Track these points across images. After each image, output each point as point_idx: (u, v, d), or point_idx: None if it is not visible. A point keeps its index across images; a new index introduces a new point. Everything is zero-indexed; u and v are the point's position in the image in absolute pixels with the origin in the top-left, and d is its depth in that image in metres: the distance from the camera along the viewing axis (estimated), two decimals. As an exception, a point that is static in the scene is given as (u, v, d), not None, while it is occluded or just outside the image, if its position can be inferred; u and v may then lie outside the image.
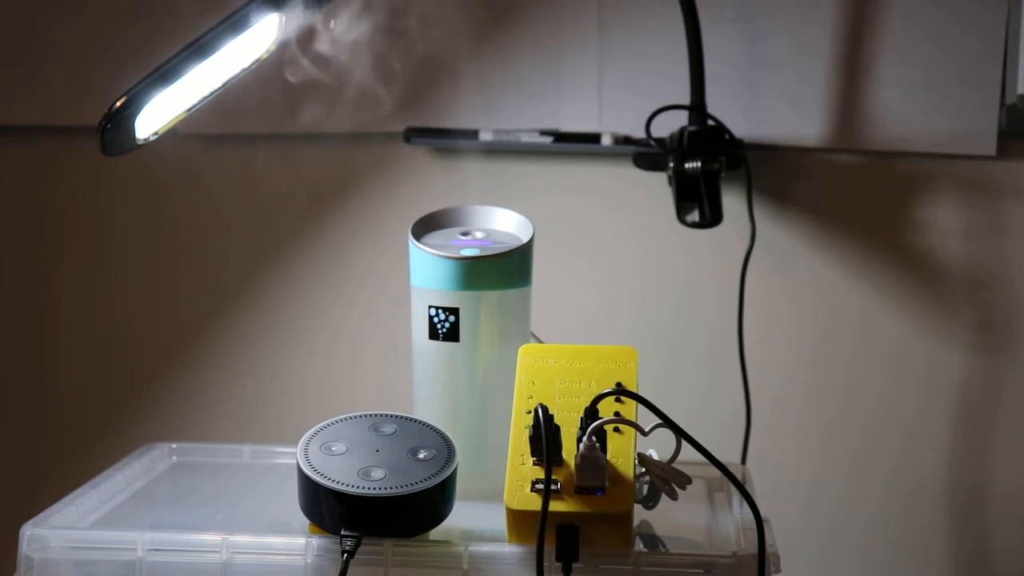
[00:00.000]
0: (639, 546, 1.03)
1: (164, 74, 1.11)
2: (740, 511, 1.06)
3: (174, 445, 1.25)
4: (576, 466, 0.95)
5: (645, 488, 1.05)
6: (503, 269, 1.11)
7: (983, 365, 1.44)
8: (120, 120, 1.10)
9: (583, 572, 0.94)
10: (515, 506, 0.95)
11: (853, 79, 1.40)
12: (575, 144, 1.44)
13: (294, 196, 1.51)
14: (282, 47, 1.19)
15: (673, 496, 1.01)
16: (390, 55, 1.44)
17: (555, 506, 0.94)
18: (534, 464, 0.97)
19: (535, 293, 1.14)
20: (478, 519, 1.03)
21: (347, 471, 0.97)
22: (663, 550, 1.05)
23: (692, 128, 1.38)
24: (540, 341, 1.15)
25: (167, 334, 1.55)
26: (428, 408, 1.13)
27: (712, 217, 1.39)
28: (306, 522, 1.00)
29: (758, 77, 1.41)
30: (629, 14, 1.42)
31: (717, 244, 1.44)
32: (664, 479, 1.00)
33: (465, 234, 1.15)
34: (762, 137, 1.42)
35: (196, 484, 1.20)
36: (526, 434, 0.97)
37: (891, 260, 1.44)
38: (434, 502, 0.98)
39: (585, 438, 0.95)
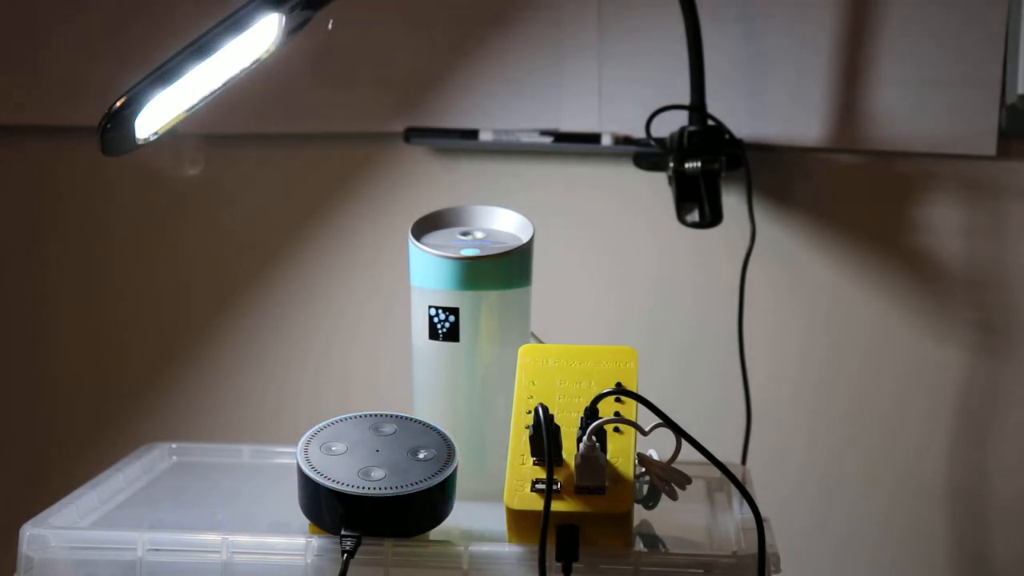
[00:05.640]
0: (639, 546, 1.03)
1: (164, 74, 1.11)
2: (740, 511, 1.06)
3: (174, 445, 1.25)
4: (576, 466, 0.95)
5: (645, 488, 1.05)
6: (503, 269, 1.11)
7: (983, 365, 1.44)
8: (120, 120, 1.10)
9: (583, 572, 0.94)
10: (515, 506, 0.95)
11: (853, 79, 1.40)
12: (575, 144, 1.44)
13: (294, 196, 1.51)
14: (282, 46, 1.19)
15: (673, 496, 1.01)
16: (390, 54, 1.45)
17: (555, 506, 0.94)
18: (534, 464, 0.97)
19: (535, 293, 1.14)
20: (478, 519, 1.03)
21: (347, 471, 0.97)
22: (663, 550, 1.05)
23: (692, 128, 1.38)
24: (540, 341, 1.15)
25: (167, 334, 1.55)
26: (428, 408, 1.13)
27: (712, 217, 1.39)
28: (306, 522, 0.99)
29: (758, 77, 1.41)
30: (629, 14, 1.42)
31: (717, 244, 1.44)
32: (664, 479, 1.00)
33: (465, 234, 1.14)
34: (762, 137, 1.42)
35: (196, 484, 1.20)
36: (526, 434, 0.97)
37: (891, 260, 1.44)
38: (434, 502, 0.98)
39: (585, 438, 0.95)
